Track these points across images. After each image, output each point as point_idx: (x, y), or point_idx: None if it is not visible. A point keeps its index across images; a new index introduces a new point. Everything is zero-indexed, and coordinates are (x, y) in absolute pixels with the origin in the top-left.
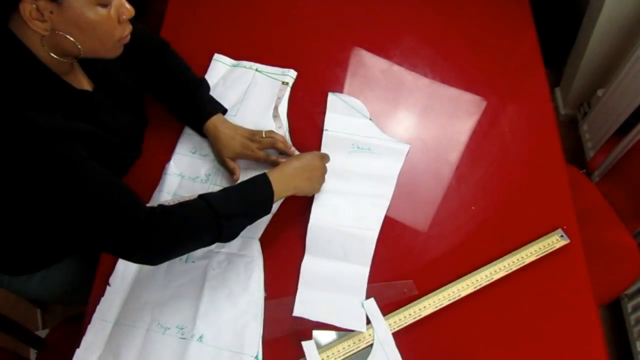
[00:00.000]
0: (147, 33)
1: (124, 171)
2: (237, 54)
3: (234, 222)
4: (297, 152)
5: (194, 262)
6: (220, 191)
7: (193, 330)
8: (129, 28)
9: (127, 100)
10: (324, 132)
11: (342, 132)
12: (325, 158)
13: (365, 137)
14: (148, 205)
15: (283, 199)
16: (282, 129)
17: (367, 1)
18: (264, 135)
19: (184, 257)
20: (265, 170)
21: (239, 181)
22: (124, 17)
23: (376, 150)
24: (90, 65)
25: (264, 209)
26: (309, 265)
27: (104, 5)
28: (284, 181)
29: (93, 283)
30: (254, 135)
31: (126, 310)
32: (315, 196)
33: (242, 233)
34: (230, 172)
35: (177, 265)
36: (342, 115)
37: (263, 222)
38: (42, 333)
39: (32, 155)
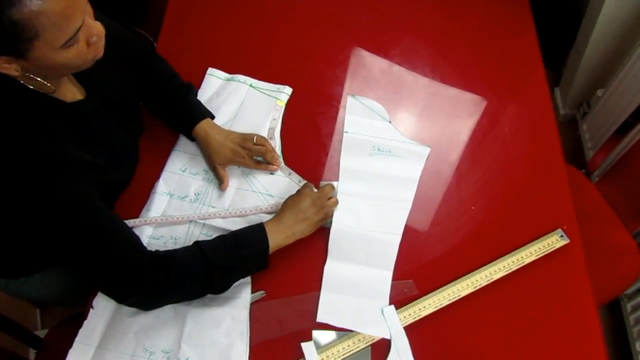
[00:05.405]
0: (131, 38)
1: (124, 183)
2: (232, 63)
3: (225, 275)
4: (283, 164)
5: None
6: (216, 239)
7: (178, 354)
8: (101, 44)
9: (121, 106)
10: (344, 135)
11: (362, 135)
12: (310, 190)
13: (386, 139)
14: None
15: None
16: (275, 149)
17: (367, 1)
18: (255, 142)
19: None
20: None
21: (226, 189)
22: (94, 39)
23: (397, 152)
24: (82, 71)
25: (258, 261)
26: (331, 269)
27: (71, 45)
28: (280, 231)
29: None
30: (244, 142)
31: (109, 334)
32: (338, 200)
33: None
34: (219, 180)
35: None
36: (361, 118)
37: None
38: (42, 333)
39: (40, 186)
